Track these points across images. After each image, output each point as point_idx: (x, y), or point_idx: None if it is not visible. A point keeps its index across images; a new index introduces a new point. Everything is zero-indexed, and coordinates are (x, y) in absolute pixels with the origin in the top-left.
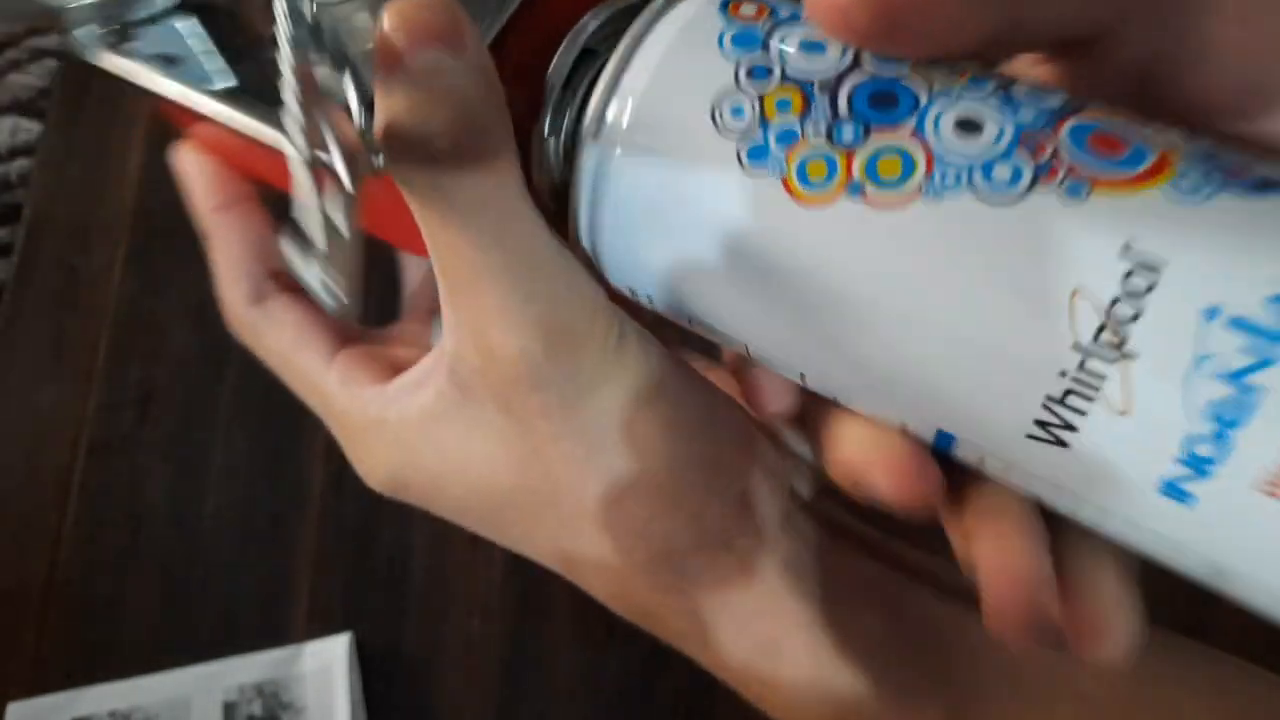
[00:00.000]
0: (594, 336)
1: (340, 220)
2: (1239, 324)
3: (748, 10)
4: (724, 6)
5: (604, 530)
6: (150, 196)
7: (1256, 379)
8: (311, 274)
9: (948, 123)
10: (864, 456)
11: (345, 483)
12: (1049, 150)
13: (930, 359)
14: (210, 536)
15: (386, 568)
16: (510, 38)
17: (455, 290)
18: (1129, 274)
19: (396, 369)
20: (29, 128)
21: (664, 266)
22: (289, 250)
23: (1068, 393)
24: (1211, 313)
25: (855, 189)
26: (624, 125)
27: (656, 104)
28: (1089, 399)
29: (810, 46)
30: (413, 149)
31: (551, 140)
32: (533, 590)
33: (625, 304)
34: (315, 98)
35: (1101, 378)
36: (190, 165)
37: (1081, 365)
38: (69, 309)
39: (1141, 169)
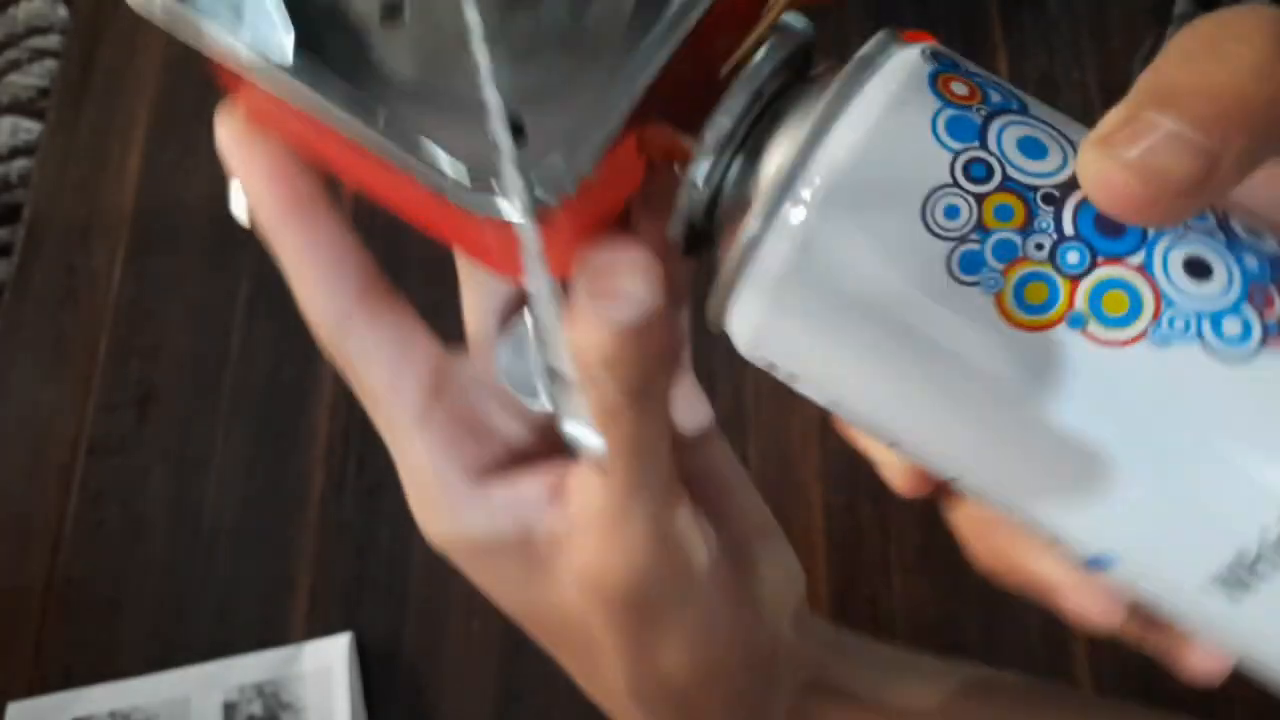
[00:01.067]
0: (694, 583)
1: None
2: None
3: (959, 89)
4: (933, 80)
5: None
6: (150, 197)
7: None
8: (572, 416)
9: (1176, 261)
10: (1057, 579)
11: (345, 484)
12: (1276, 307)
13: (1130, 500)
14: (210, 536)
15: (386, 568)
16: (669, 67)
17: (606, 498)
18: None
19: (496, 449)
20: (29, 128)
21: (828, 353)
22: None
23: (1260, 554)
24: None
25: (1077, 321)
26: (813, 200)
27: (858, 184)
28: (1275, 567)
29: (1030, 145)
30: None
31: (705, 191)
32: None
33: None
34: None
35: None
36: (248, 149)
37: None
38: (69, 309)
39: None
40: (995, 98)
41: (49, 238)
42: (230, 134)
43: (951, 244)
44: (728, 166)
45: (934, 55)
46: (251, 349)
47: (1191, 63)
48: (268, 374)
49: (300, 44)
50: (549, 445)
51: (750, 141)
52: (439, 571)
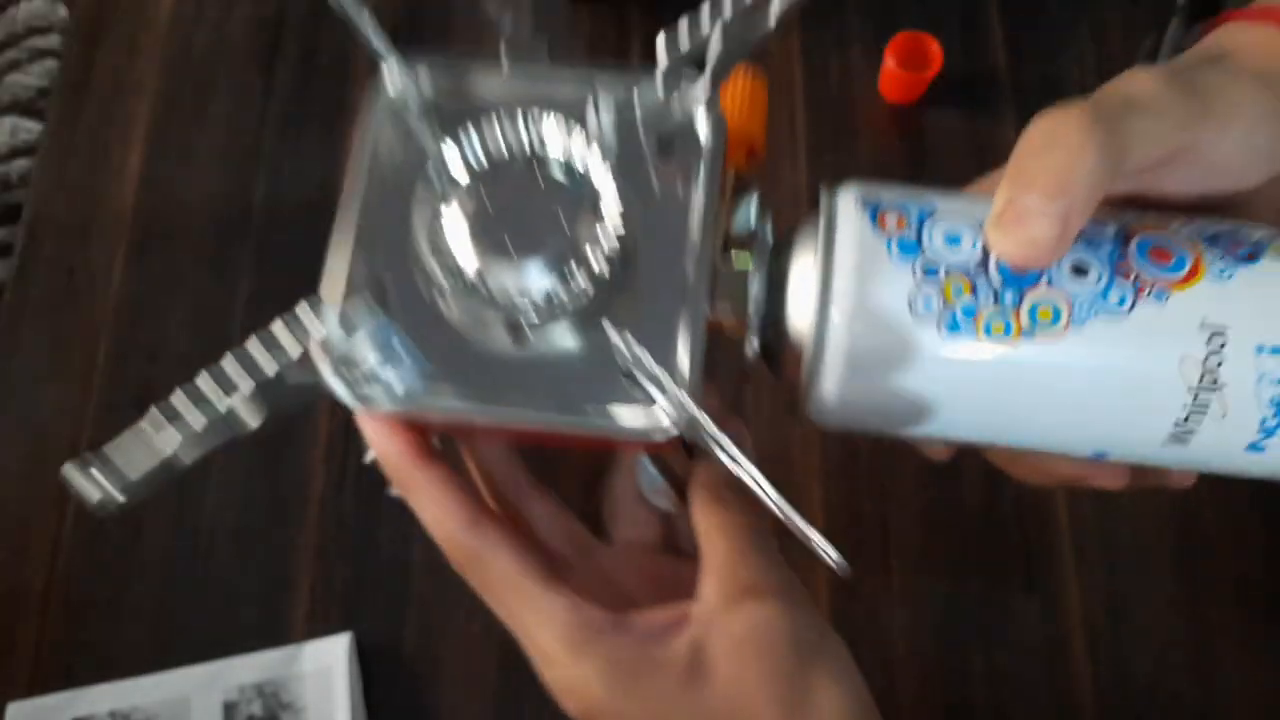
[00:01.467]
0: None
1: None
2: (1274, 351)
3: (893, 222)
4: (875, 223)
5: None
6: (150, 197)
7: None
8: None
9: (1066, 270)
10: (1079, 472)
11: (345, 484)
12: (1133, 273)
13: (1100, 417)
14: (210, 537)
15: (386, 568)
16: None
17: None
18: (1209, 338)
19: (622, 598)
20: (29, 128)
21: (885, 399)
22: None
23: (1186, 417)
24: (1259, 348)
25: (1028, 334)
26: (847, 331)
27: (868, 314)
28: (1201, 415)
29: (952, 238)
30: None
31: (757, 352)
32: None
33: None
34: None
35: (1207, 403)
36: (380, 429)
37: (1195, 399)
38: (69, 309)
39: (1187, 269)
40: (914, 214)
41: (49, 237)
42: (367, 422)
43: (935, 323)
44: (764, 330)
45: (864, 201)
46: None
47: (1037, 154)
48: None
49: (443, 367)
50: (668, 542)
51: (773, 311)
52: (439, 572)
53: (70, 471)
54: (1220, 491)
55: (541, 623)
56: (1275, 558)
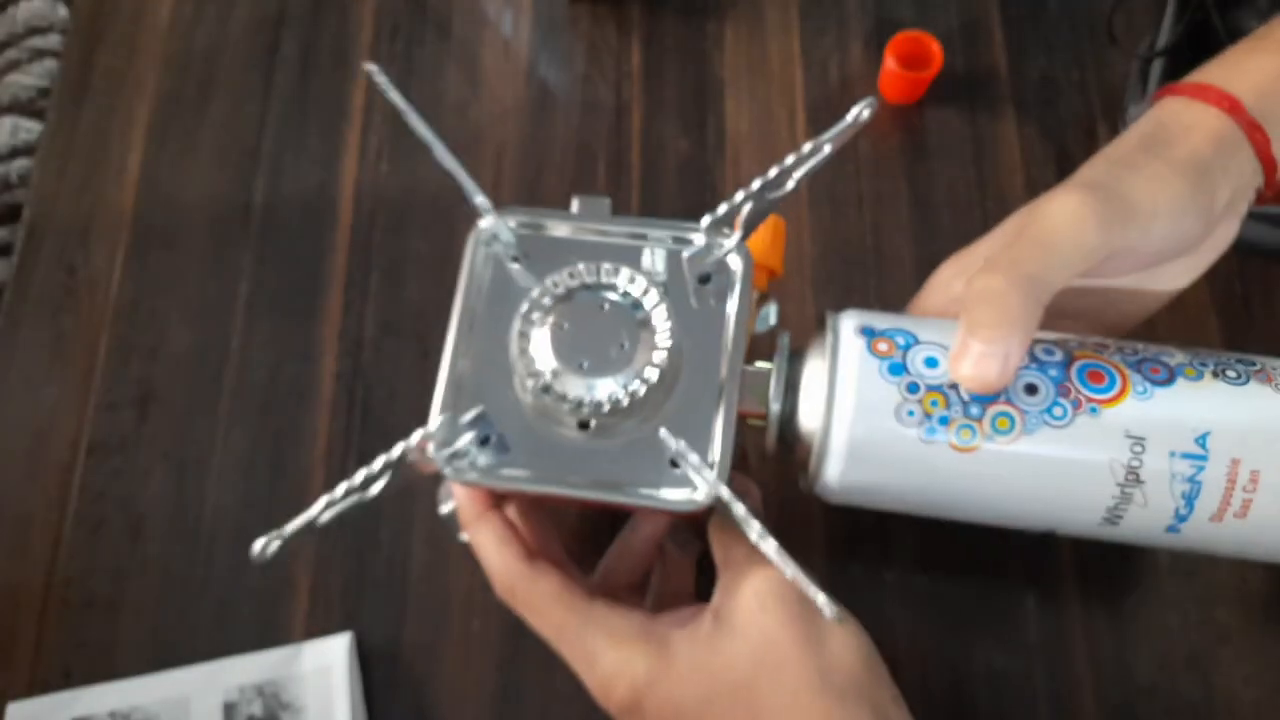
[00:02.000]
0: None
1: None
2: (1184, 455)
3: (883, 347)
4: (869, 348)
5: None
6: (150, 197)
7: (1199, 476)
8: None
9: (1020, 389)
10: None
11: None
12: (1073, 393)
13: (1047, 504)
14: (210, 536)
15: (386, 568)
16: None
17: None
18: (1132, 445)
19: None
20: (29, 128)
21: (877, 486)
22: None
23: (1115, 506)
24: (1171, 454)
25: (990, 439)
26: (848, 431)
27: (863, 420)
28: (1127, 505)
29: (930, 362)
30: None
31: (775, 441)
32: None
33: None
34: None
35: (1131, 495)
36: (464, 490)
37: (1122, 492)
38: (69, 309)
39: (1116, 389)
40: (900, 341)
41: (49, 238)
42: (461, 490)
43: (917, 429)
44: (782, 425)
45: (862, 330)
46: (251, 349)
47: (976, 307)
48: (268, 373)
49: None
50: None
51: (788, 409)
52: (439, 571)
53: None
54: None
55: (586, 625)
56: None
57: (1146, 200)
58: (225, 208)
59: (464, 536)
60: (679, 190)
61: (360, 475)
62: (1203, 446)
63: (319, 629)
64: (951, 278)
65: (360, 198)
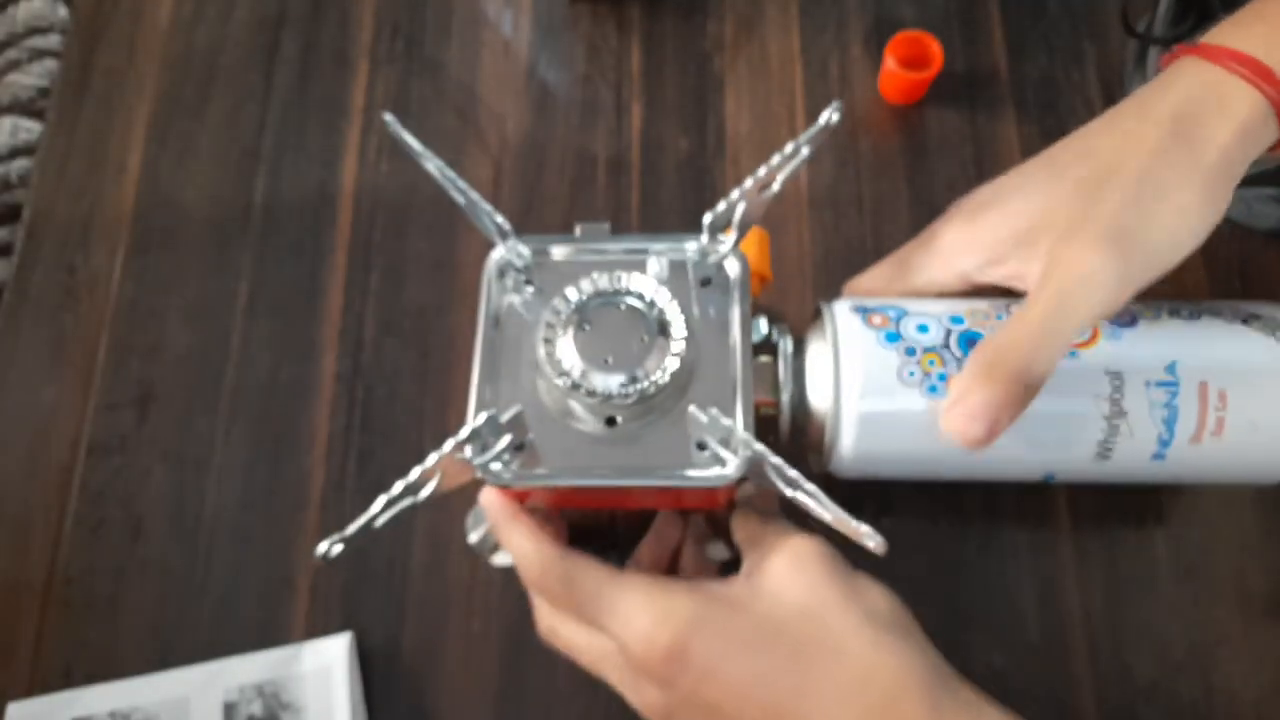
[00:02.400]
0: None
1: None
2: (1159, 384)
3: (877, 320)
4: (865, 322)
5: None
6: (150, 197)
7: (1175, 401)
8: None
9: None
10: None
11: (345, 483)
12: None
13: (1044, 445)
14: (210, 536)
15: (386, 568)
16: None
17: (759, 554)
18: (1111, 379)
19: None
20: (29, 128)
21: (888, 451)
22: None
23: (1105, 439)
24: (1147, 384)
25: None
26: (858, 400)
27: (870, 386)
28: (1115, 436)
29: (921, 328)
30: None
31: (789, 424)
32: None
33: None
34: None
35: (1118, 426)
36: (494, 494)
37: (1109, 424)
38: (69, 309)
39: (1089, 334)
40: (892, 314)
41: (49, 238)
42: (491, 496)
43: (919, 388)
44: (792, 409)
45: (855, 308)
46: (251, 349)
47: (969, 376)
48: (268, 374)
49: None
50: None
51: (797, 394)
52: (438, 571)
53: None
54: (1219, 490)
55: (623, 585)
56: (1275, 556)
57: (1169, 241)
58: (225, 207)
59: (496, 560)
60: (679, 190)
61: (415, 472)
62: (1172, 374)
63: (319, 629)
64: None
65: (360, 198)
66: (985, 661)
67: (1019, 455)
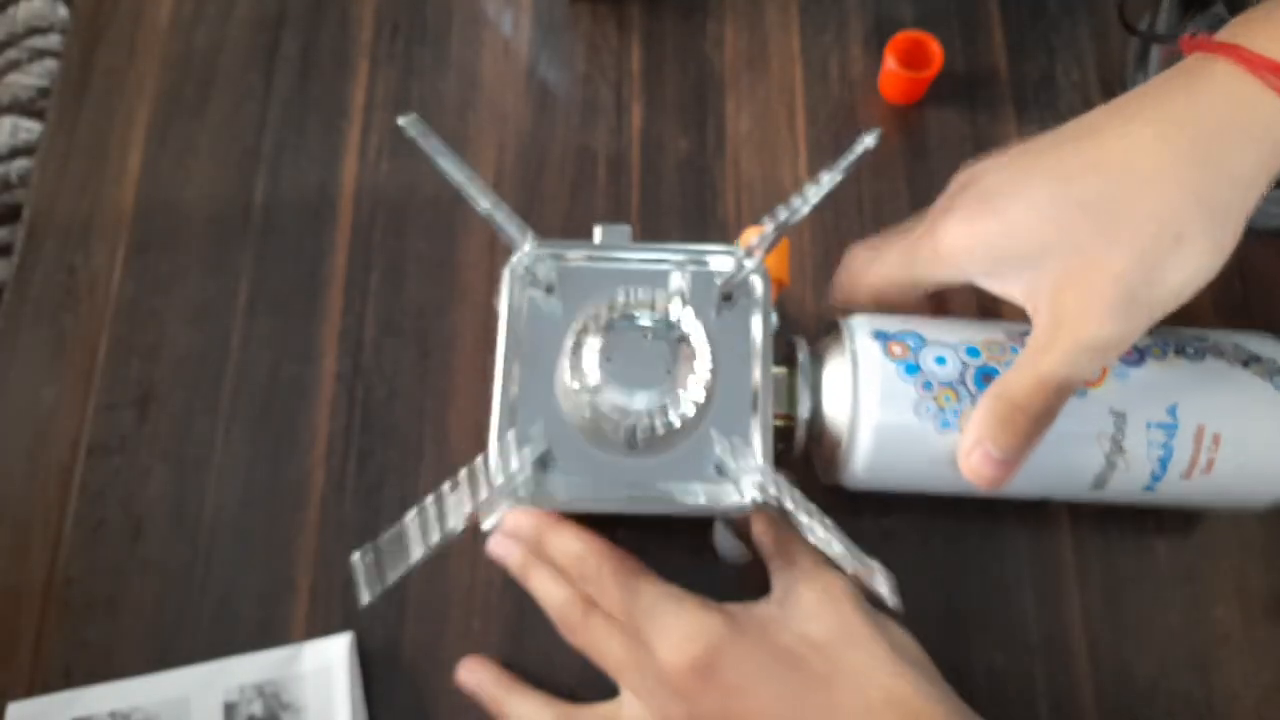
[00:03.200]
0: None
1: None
2: (1159, 425)
3: (898, 350)
4: (885, 352)
5: None
6: (150, 196)
7: (1172, 442)
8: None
9: None
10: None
11: (346, 483)
12: None
13: (1044, 476)
14: (210, 536)
15: None
16: None
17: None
18: (1114, 419)
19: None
20: (29, 128)
21: (898, 473)
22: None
23: (1101, 472)
24: (1148, 424)
25: None
26: (874, 430)
27: (885, 419)
28: (1112, 470)
29: (939, 360)
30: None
31: (804, 439)
32: None
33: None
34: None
35: (1116, 462)
36: (521, 512)
37: (1108, 459)
38: (69, 309)
39: (1098, 373)
40: (911, 343)
41: (49, 237)
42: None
43: (933, 421)
44: (810, 423)
45: (876, 334)
46: (251, 348)
47: (985, 424)
48: (268, 373)
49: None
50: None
51: (815, 409)
52: (439, 572)
53: (354, 561)
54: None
55: (662, 594)
56: (1275, 556)
57: (1181, 287)
58: (225, 207)
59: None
60: (679, 190)
61: (456, 519)
62: (1173, 416)
63: (319, 629)
64: (869, 262)
65: (360, 197)
66: (985, 661)
67: (1021, 485)
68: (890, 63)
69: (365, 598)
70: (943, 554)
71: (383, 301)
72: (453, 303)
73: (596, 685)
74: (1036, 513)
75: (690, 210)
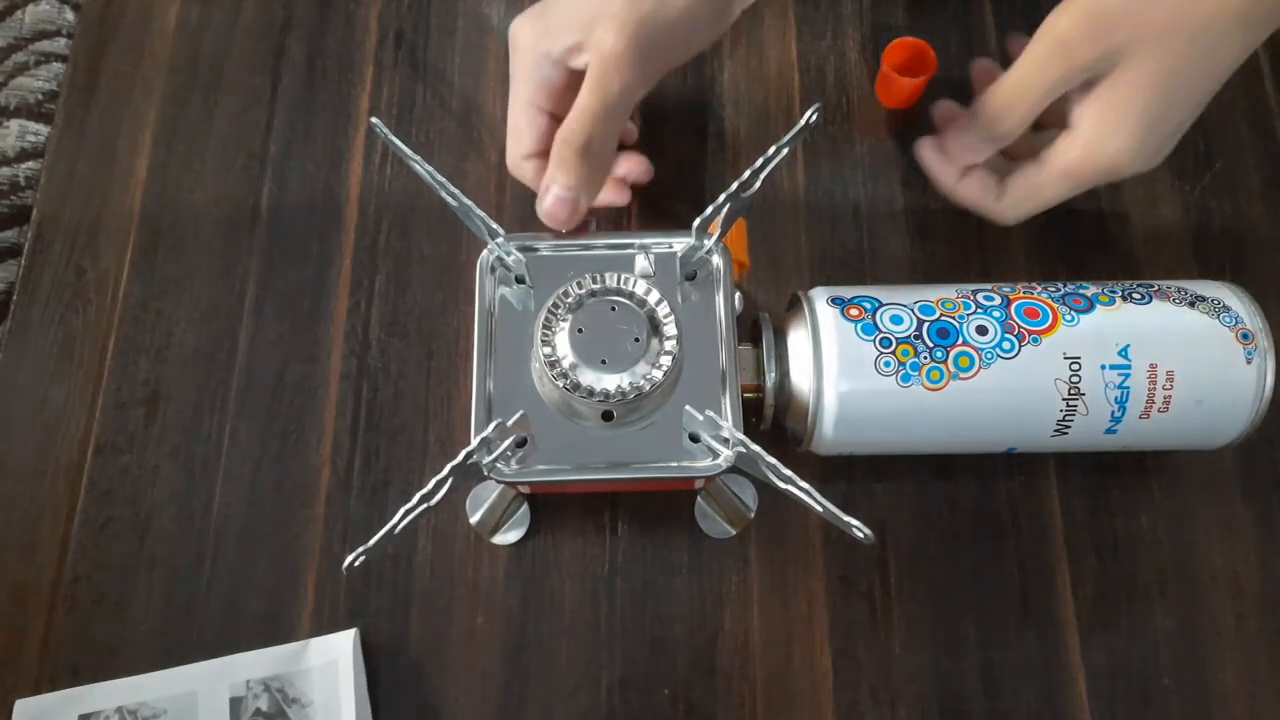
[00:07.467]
0: None
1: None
2: (1113, 366)
3: (854, 312)
4: (843, 314)
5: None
6: (157, 199)
7: (1127, 382)
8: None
9: (971, 331)
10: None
11: (351, 481)
12: (1016, 329)
13: (1008, 424)
14: (217, 534)
15: (391, 564)
16: None
17: None
18: (1070, 364)
19: None
20: (37, 131)
21: (866, 431)
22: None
23: (1063, 417)
24: (1102, 366)
25: (955, 377)
26: (837, 389)
27: (846, 373)
28: (1073, 415)
29: (895, 319)
30: None
31: (772, 407)
32: (535, 586)
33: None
34: None
35: (1075, 406)
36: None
37: (1067, 404)
38: (77, 310)
39: (1049, 320)
40: (868, 305)
41: (57, 240)
42: None
43: (894, 376)
44: (776, 393)
45: (833, 300)
46: (258, 348)
47: (549, 170)
48: (274, 374)
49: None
50: None
51: (780, 379)
52: (443, 568)
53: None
54: (1213, 488)
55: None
56: (1270, 556)
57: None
58: (232, 210)
59: (496, 539)
60: (678, 192)
61: (431, 484)
62: (1125, 356)
63: (325, 625)
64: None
65: (366, 201)
66: (983, 661)
67: (987, 435)
68: (886, 68)
69: (347, 560)
70: (941, 553)
71: (388, 302)
72: (456, 304)
73: (597, 685)
74: (1030, 511)
75: (689, 213)
